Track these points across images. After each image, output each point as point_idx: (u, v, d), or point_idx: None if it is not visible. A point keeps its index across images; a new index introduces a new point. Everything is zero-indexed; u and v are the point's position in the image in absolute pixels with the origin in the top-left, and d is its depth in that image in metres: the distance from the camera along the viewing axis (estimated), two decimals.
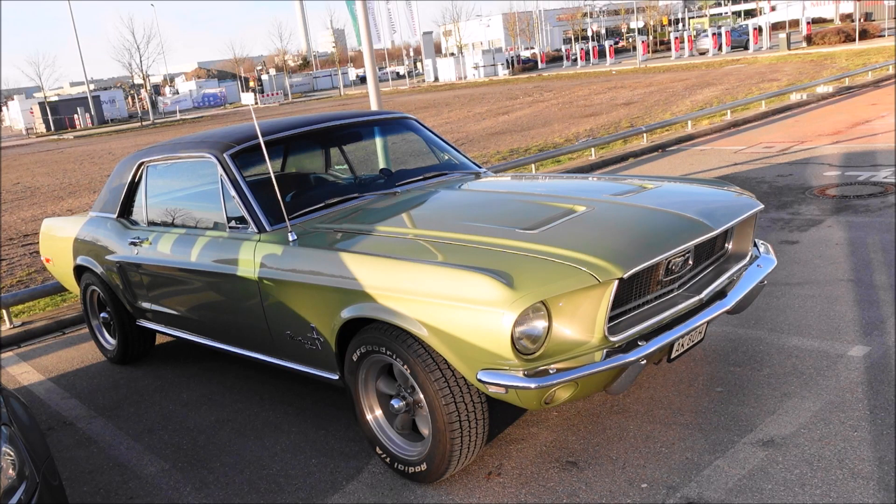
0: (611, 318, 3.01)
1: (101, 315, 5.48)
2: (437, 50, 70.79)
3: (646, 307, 3.14)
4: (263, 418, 4.17)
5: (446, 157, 4.86)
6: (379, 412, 3.41)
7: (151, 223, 4.71)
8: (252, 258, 3.77)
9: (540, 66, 56.15)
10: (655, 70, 34.18)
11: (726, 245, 3.67)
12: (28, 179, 20.46)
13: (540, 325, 2.79)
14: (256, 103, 53.75)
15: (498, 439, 3.55)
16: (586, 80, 34.39)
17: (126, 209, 5.00)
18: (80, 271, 5.44)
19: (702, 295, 3.24)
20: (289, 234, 3.65)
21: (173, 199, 4.77)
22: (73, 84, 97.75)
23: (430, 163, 4.84)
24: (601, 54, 51.50)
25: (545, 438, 3.50)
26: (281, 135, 4.41)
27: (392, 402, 3.29)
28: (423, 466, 3.17)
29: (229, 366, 4.99)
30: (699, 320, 3.14)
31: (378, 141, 5.22)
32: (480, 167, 4.80)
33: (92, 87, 63.63)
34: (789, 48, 35.02)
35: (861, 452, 3.04)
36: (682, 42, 44.41)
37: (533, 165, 10.55)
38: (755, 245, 3.84)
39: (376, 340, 3.16)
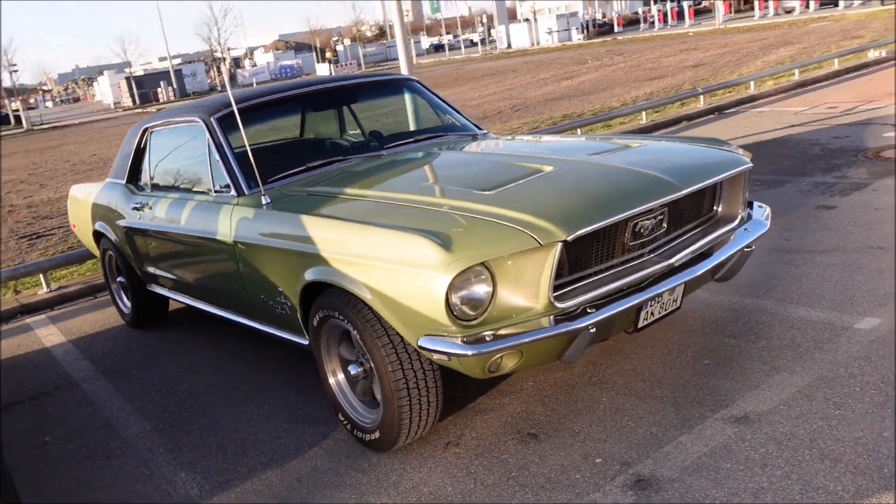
0: (568, 284, 2.85)
1: (119, 279, 5.59)
2: (512, 16, 69.53)
3: (609, 272, 2.95)
4: (257, 384, 4.13)
5: (446, 120, 4.71)
6: (341, 376, 3.35)
7: (155, 187, 4.76)
8: (229, 222, 3.74)
9: (616, 29, 54.50)
10: (735, 31, 32.61)
11: (715, 208, 3.42)
12: (105, 151, 21.22)
13: (481, 289, 2.65)
14: (331, 73, 54.29)
15: (467, 409, 3.44)
16: (661, 42, 33.13)
17: (133, 175, 5.07)
18: (97, 236, 5.56)
19: (672, 260, 3.02)
20: (262, 197, 3.60)
21: (170, 166, 4.78)
22: (161, 59, 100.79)
23: (429, 125, 4.70)
24: (680, 16, 49.52)
25: (513, 409, 3.36)
26: (273, 97, 4.36)
27: (349, 367, 3.22)
28: (377, 434, 3.10)
29: (245, 332, 4.98)
30: (663, 287, 2.92)
31: (376, 103, 5.11)
32: (481, 129, 4.64)
33: (178, 61, 65.65)
34: (883, 2, 32.78)
35: (838, 432, 2.78)
36: (767, 0, 42.18)
37: (579, 129, 10.24)
38: (751, 207, 3.57)
39: (331, 305, 3.09)
